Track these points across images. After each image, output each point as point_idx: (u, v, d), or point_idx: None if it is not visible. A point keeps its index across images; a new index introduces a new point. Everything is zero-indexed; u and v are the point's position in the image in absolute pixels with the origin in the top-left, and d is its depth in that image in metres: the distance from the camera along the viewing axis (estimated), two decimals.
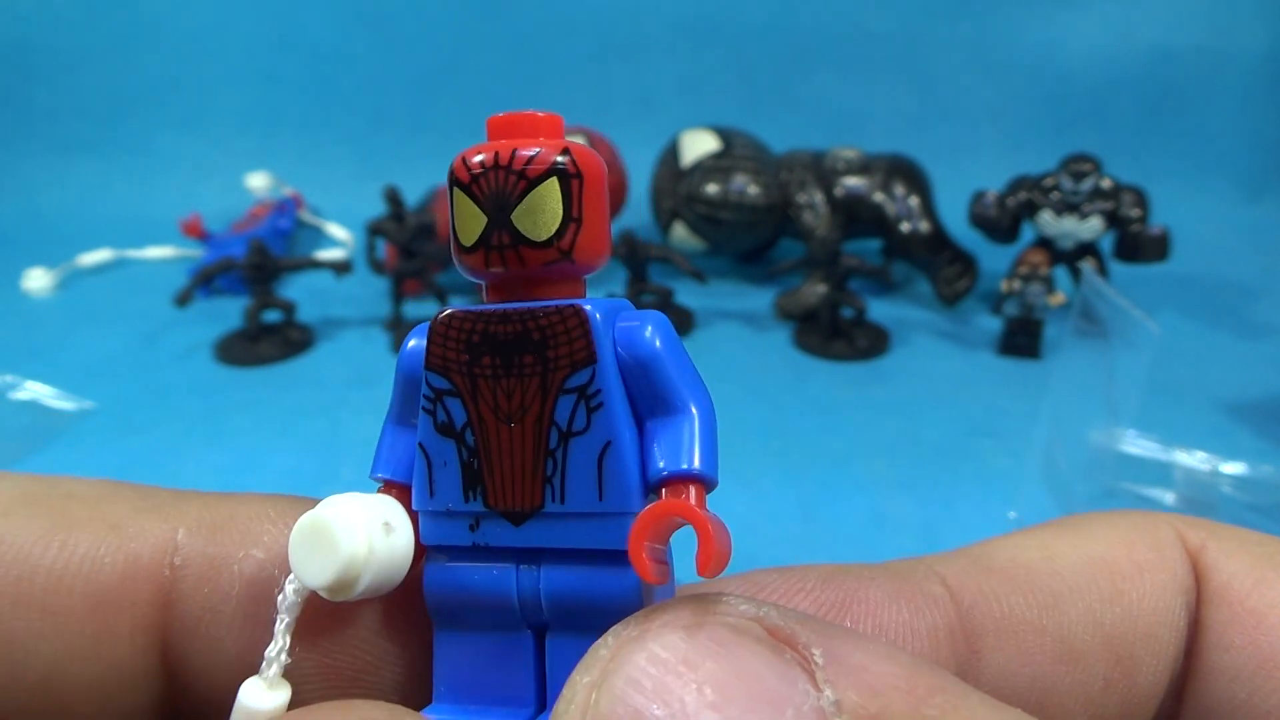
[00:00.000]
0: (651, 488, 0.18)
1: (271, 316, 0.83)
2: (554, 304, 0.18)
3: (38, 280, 0.97)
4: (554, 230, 0.18)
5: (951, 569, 0.21)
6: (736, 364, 0.78)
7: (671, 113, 1.12)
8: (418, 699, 0.20)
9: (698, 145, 0.94)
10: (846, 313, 0.82)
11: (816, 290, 0.83)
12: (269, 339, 0.81)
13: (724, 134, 0.95)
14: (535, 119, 0.18)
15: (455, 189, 0.18)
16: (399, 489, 0.19)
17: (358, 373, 0.77)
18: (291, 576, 0.18)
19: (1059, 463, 0.57)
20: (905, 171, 0.93)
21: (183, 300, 0.78)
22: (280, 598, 0.18)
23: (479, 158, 0.18)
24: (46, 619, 0.18)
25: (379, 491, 0.20)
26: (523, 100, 1.21)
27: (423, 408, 0.18)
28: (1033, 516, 0.54)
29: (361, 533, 0.18)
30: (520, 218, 0.18)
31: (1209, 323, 0.89)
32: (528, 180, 0.18)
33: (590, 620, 0.18)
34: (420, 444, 0.19)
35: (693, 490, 0.17)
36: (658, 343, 0.18)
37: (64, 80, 1.23)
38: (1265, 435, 0.66)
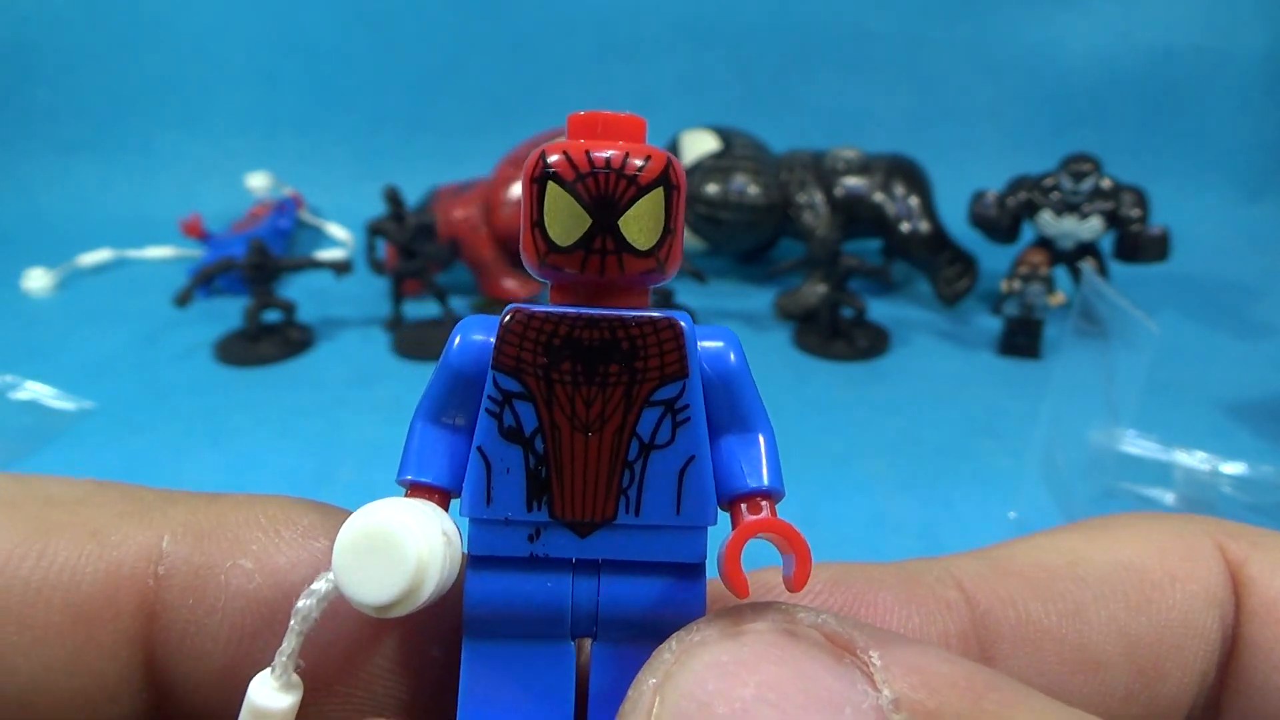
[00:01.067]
0: (725, 502, 0.18)
1: (271, 316, 0.83)
2: (645, 314, 0.17)
3: (38, 280, 0.97)
4: (655, 240, 0.18)
5: (968, 571, 0.21)
6: None
7: (671, 113, 1.12)
8: (434, 712, 0.19)
9: (698, 145, 0.94)
10: (846, 313, 0.82)
11: (816, 290, 0.83)
12: (269, 339, 0.81)
13: (724, 134, 0.95)
14: (621, 121, 0.18)
15: (552, 184, 0.17)
16: (434, 494, 0.18)
17: (358, 373, 0.77)
18: (319, 587, 0.17)
19: (1059, 463, 0.57)
20: (905, 171, 0.93)
21: (183, 300, 0.78)
22: (303, 604, 0.17)
23: (589, 154, 0.17)
24: (25, 633, 0.17)
25: (408, 496, 0.18)
26: (522, 100, 1.22)
27: (486, 409, 0.18)
28: (1033, 516, 0.54)
29: (424, 540, 0.16)
30: (627, 224, 0.17)
31: (1209, 323, 0.89)
32: (638, 187, 0.17)
33: (646, 630, 0.18)
34: (480, 448, 0.18)
35: (769, 508, 0.18)
36: (738, 361, 0.19)
37: (64, 80, 1.23)
38: (1265, 435, 0.66)
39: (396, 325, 0.84)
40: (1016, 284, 0.78)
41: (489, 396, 0.18)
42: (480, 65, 1.23)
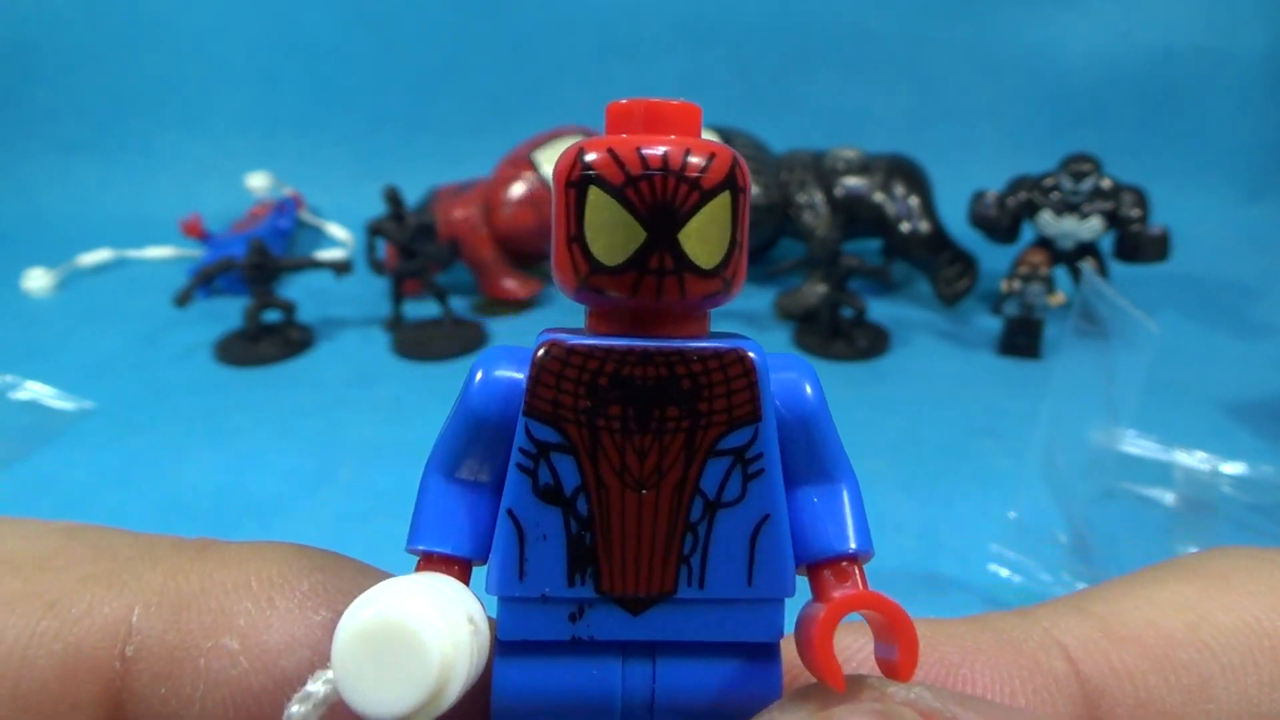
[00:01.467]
0: (804, 566, 0.16)
1: (271, 316, 0.83)
2: (709, 345, 0.15)
3: (38, 280, 0.97)
4: (721, 256, 0.15)
5: (1073, 635, 0.18)
6: None
7: None
8: None
9: None
10: (846, 313, 0.82)
11: (816, 290, 0.83)
12: (269, 339, 0.81)
13: (724, 134, 0.95)
14: (673, 110, 0.15)
15: (595, 189, 0.14)
16: (453, 566, 0.15)
17: (358, 373, 0.77)
18: (315, 690, 0.14)
19: (1059, 463, 0.57)
20: (905, 171, 0.93)
21: (183, 300, 0.78)
22: (296, 711, 0.14)
23: (642, 152, 0.14)
24: None
25: (420, 569, 0.15)
26: (522, 100, 1.22)
27: (518, 464, 0.15)
28: (1033, 516, 0.54)
29: (448, 635, 0.13)
30: (689, 238, 0.14)
31: (1209, 323, 0.89)
32: (702, 192, 0.14)
33: None
34: (509, 510, 0.15)
35: (858, 574, 0.15)
36: (816, 398, 0.16)
37: (64, 80, 1.23)
38: (1265, 435, 0.66)
39: (396, 325, 0.84)
40: (1016, 284, 0.78)
41: (520, 449, 0.15)
42: (480, 65, 1.23)
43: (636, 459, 0.15)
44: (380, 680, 0.13)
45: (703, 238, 0.14)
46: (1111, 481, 0.59)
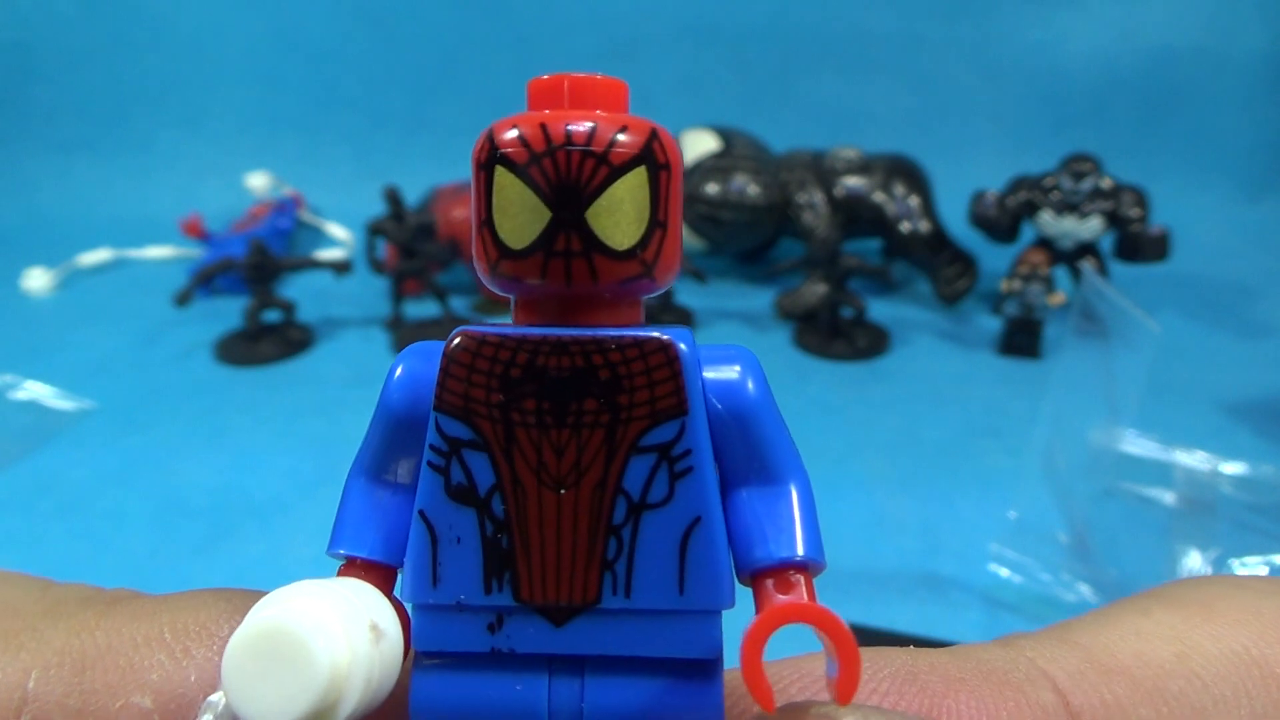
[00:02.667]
0: (746, 575, 0.14)
1: (271, 316, 0.83)
2: (629, 333, 0.14)
3: (38, 280, 0.97)
4: (638, 237, 0.14)
5: (1060, 666, 0.17)
6: None
7: (671, 113, 1.12)
8: None
9: (698, 145, 0.94)
10: (846, 313, 0.82)
11: (816, 290, 0.83)
12: (269, 339, 0.81)
13: (724, 134, 0.95)
14: (594, 84, 0.14)
15: (500, 169, 0.14)
16: (374, 571, 0.14)
17: (357, 373, 0.77)
18: (216, 700, 0.13)
19: (1059, 463, 0.57)
20: (905, 171, 0.93)
21: (183, 300, 0.78)
22: None
23: (544, 129, 0.13)
24: None
25: (341, 574, 0.14)
26: (522, 100, 1.21)
27: (429, 462, 0.14)
28: (1033, 516, 0.54)
29: (343, 644, 0.12)
30: (598, 217, 0.13)
31: (1209, 323, 0.89)
32: (610, 167, 0.13)
33: None
34: (421, 512, 0.14)
35: (804, 585, 0.14)
36: (757, 391, 0.14)
37: (64, 80, 1.23)
38: (1265, 435, 0.66)
39: (396, 325, 0.84)
40: (1016, 284, 0.78)
41: (432, 446, 0.14)
42: (480, 65, 1.23)
43: (554, 456, 0.14)
44: (267, 688, 0.12)
45: (614, 216, 0.13)
46: (1111, 481, 0.59)
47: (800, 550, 0.14)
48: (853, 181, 0.92)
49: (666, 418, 0.14)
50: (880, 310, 0.87)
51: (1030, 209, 0.86)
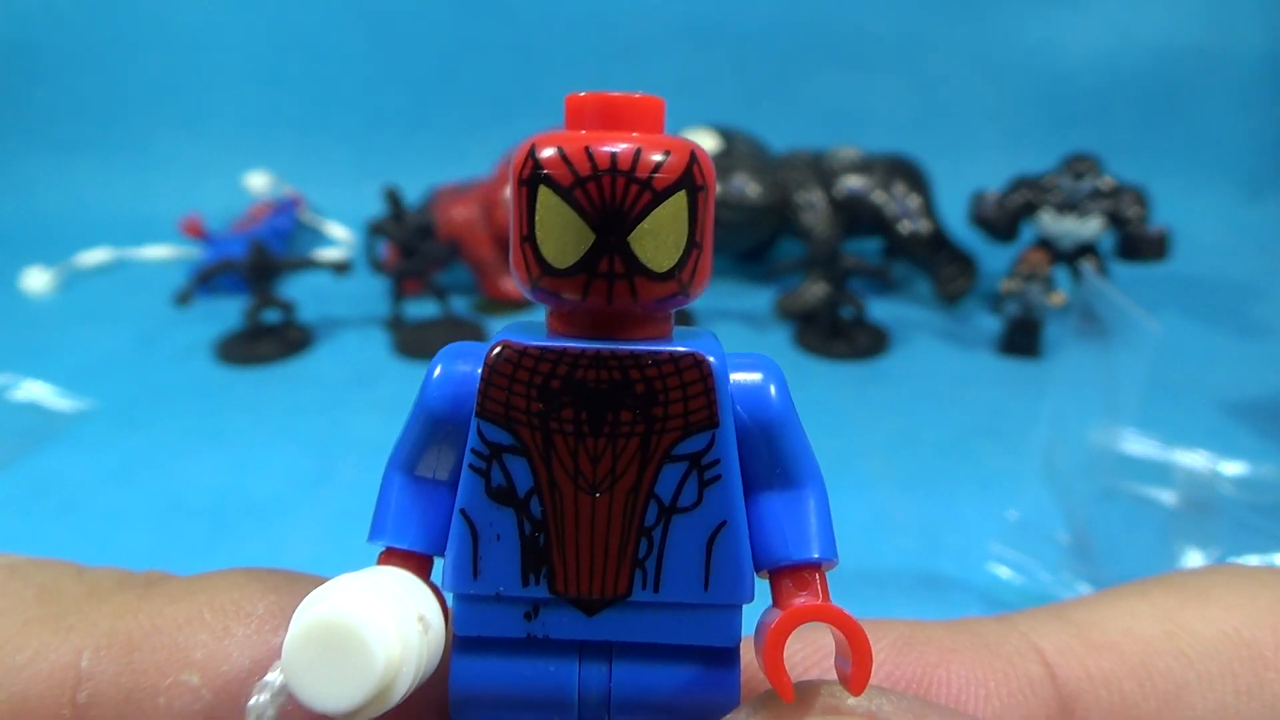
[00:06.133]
0: (765, 571, 0.15)
1: (271, 316, 0.83)
2: (664, 348, 0.14)
3: (37, 280, 0.97)
4: (677, 259, 0.14)
5: (1051, 640, 0.18)
6: None
7: (671, 113, 1.11)
8: None
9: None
10: (846, 313, 0.82)
11: (816, 290, 0.83)
12: (269, 339, 0.81)
13: (724, 134, 0.95)
14: (633, 103, 0.15)
15: (545, 189, 0.14)
16: (412, 560, 0.15)
17: (357, 372, 0.77)
18: (272, 679, 0.14)
19: (1059, 463, 0.57)
20: (905, 171, 0.93)
21: (183, 300, 0.78)
22: (256, 702, 0.14)
23: (590, 151, 0.14)
24: None
25: (381, 562, 0.15)
26: (522, 100, 1.22)
27: (470, 465, 0.15)
28: (1033, 516, 0.54)
29: (395, 635, 0.13)
30: (640, 240, 0.14)
31: (1209, 323, 0.89)
32: (654, 193, 0.14)
33: None
34: (463, 510, 0.15)
35: (818, 582, 0.15)
36: (781, 402, 0.16)
37: (64, 80, 1.23)
38: (1265, 435, 0.66)
39: (396, 325, 0.84)
40: (1016, 284, 0.78)
41: (473, 450, 0.15)
42: (480, 65, 1.23)
43: (589, 463, 0.14)
44: (327, 676, 0.13)
45: (656, 240, 0.14)
46: (1111, 481, 0.59)
47: (816, 552, 0.15)
48: (853, 181, 0.92)
49: (698, 429, 0.14)
50: (880, 310, 0.87)
51: (1030, 209, 0.86)
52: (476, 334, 0.83)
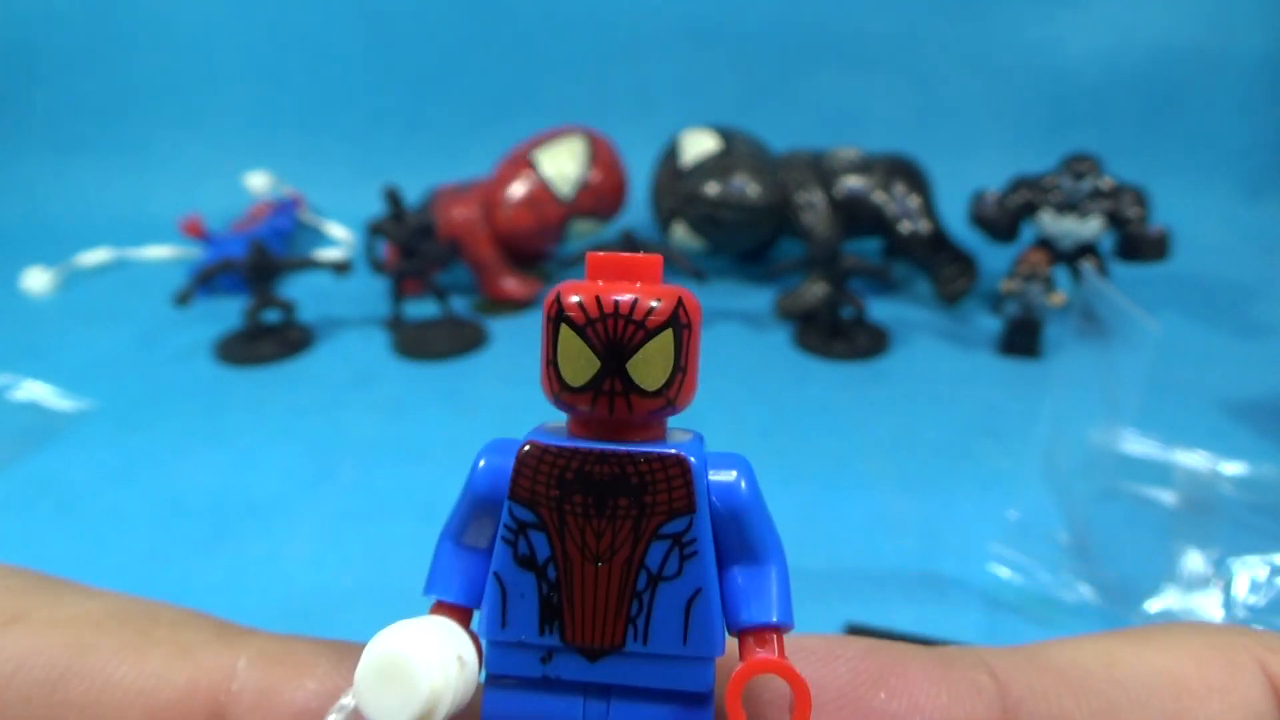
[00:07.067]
0: (733, 631, 0.19)
1: (271, 316, 0.83)
2: (654, 450, 0.18)
3: (37, 280, 0.97)
4: (664, 380, 0.18)
5: (1001, 661, 0.21)
6: (736, 364, 0.78)
7: (671, 113, 1.12)
8: None
9: (698, 145, 0.94)
10: (846, 313, 0.82)
11: (816, 290, 0.83)
12: (269, 339, 0.81)
13: (724, 134, 0.95)
14: (637, 262, 0.18)
15: (564, 327, 0.18)
16: (457, 611, 0.19)
17: (358, 373, 0.77)
18: (347, 703, 0.19)
19: (1059, 463, 0.57)
20: (905, 171, 0.93)
21: (183, 300, 0.78)
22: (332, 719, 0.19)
23: (598, 300, 0.18)
24: None
25: (432, 612, 0.19)
26: (522, 100, 1.22)
27: (503, 538, 0.18)
28: (1033, 516, 0.54)
29: (439, 669, 0.17)
30: (635, 367, 0.18)
31: (1209, 323, 0.89)
32: (646, 331, 0.18)
33: None
34: (496, 573, 0.19)
35: (776, 641, 0.18)
36: (750, 495, 0.19)
37: (64, 80, 1.23)
38: (1265, 435, 0.66)
39: (396, 325, 0.84)
40: (1016, 284, 0.78)
41: (505, 525, 0.18)
42: (480, 65, 1.23)
43: (594, 538, 0.18)
44: (385, 699, 0.17)
45: (648, 366, 0.18)
46: (1111, 481, 0.59)
47: (775, 617, 0.18)
48: (853, 181, 0.92)
49: (679, 514, 0.18)
50: (880, 310, 0.87)
51: (1030, 209, 0.86)
52: (476, 334, 0.83)
